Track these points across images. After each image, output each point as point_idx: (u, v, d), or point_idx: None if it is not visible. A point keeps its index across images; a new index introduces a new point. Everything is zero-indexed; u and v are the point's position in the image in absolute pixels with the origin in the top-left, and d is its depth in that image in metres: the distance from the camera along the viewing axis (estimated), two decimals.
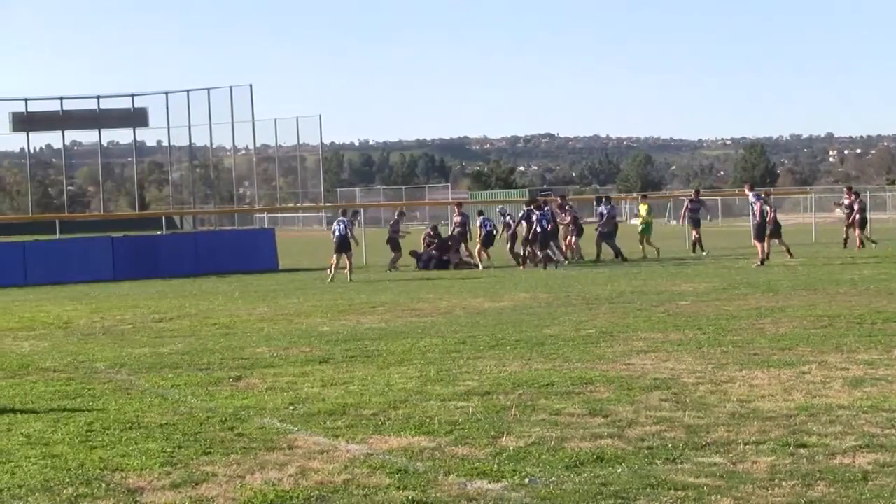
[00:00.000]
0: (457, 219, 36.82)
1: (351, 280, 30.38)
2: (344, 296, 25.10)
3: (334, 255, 31.18)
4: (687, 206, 38.50)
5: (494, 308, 21.09)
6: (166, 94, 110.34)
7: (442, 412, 10.50)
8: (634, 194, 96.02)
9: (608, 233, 35.50)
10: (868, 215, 39.60)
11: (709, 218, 41.84)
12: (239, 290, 28.10)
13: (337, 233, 31.22)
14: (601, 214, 36.19)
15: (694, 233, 37.75)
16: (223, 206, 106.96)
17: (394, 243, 35.74)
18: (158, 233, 44.16)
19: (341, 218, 32.32)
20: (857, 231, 37.73)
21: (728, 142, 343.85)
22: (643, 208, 38.49)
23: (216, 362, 14.63)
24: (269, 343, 16.59)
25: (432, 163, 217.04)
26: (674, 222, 43.35)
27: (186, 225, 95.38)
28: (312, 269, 34.53)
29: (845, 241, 37.94)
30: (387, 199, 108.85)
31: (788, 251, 32.51)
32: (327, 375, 13.11)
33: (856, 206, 38.00)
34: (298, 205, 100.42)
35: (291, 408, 11.04)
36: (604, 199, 38.21)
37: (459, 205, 38.98)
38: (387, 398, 11.34)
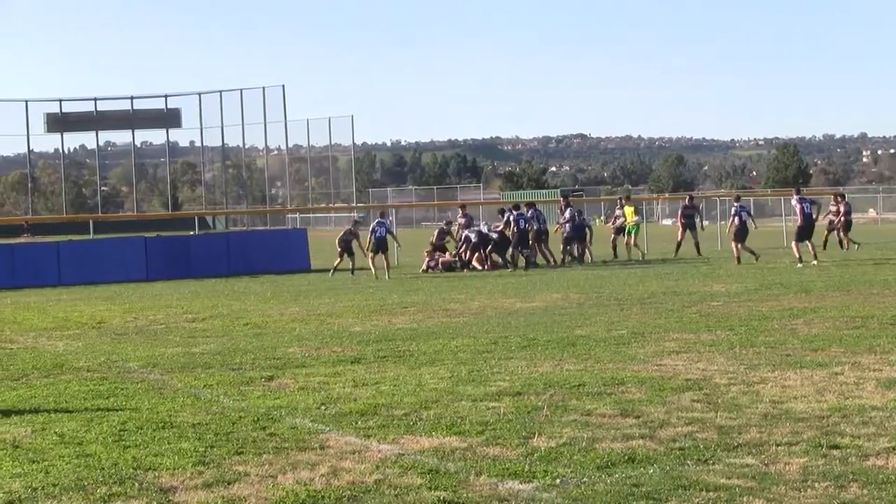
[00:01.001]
0: (461, 220, 36.84)
1: (389, 278, 30.88)
2: (375, 296, 25.12)
3: (371, 256, 32.27)
4: (682, 212, 38.74)
5: (526, 308, 21.07)
6: (199, 94, 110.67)
7: (473, 412, 10.49)
8: (666, 195, 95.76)
9: (570, 236, 35.26)
10: (853, 218, 40.18)
11: (704, 223, 42.27)
12: (271, 291, 28.15)
13: (378, 234, 32.25)
14: (568, 218, 35.57)
15: (685, 235, 37.56)
16: (255, 206, 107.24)
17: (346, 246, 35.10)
18: (191, 233, 44.31)
19: (381, 220, 33.12)
20: (843, 234, 38.17)
21: (761, 142, 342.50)
22: (628, 210, 38.11)
23: (248, 362, 14.67)
24: (300, 343, 16.62)
25: (464, 163, 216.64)
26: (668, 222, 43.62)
27: (219, 225, 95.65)
28: (344, 269, 34.51)
29: (825, 243, 38.16)
30: (418, 199, 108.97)
31: (814, 252, 32.26)
32: (359, 375, 13.12)
33: (842, 209, 38.48)
34: (330, 205, 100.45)
35: (323, 408, 11.06)
36: (570, 203, 37.46)
37: (464, 206, 38.94)
38: (418, 398, 11.34)
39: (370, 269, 32.26)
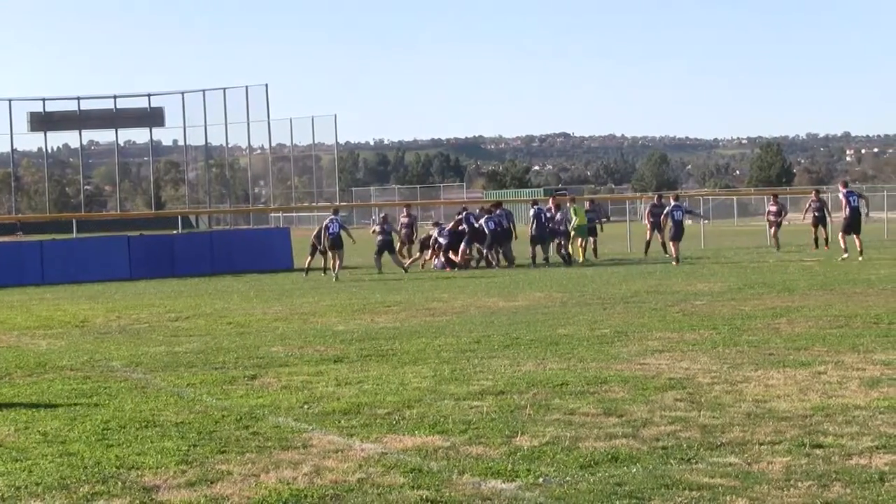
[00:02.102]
0: (404, 220, 36.94)
1: (337, 279, 30.42)
2: (358, 295, 25.10)
3: (329, 253, 32.05)
4: (650, 210, 38.78)
5: (509, 307, 21.08)
6: (182, 94, 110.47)
7: (456, 411, 10.49)
8: (649, 194, 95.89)
9: (534, 237, 35.02)
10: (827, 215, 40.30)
11: (687, 222, 42.44)
12: (254, 290, 28.12)
13: (331, 230, 31.89)
14: (532, 216, 35.44)
15: (658, 236, 37.56)
16: (238, 205, 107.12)
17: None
18: (174, 232, 44.25)
19: (334, 217, 32.79)
20: (816, 230, 38.62)
21: (744, 141, 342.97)
22: (574, 211, 37.81)
23: (231, 361, 14.65)
24: (283, 342, 16.61)
25: (447, 162, 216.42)
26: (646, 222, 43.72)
27: (202, 224, 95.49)
28: (328, 268, 34.50)
29: (815, 240, 38.30)
30: (402, 198, 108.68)
31: (845, 248, 32.28)
32: (342, 374, 13.11)
33: (814, 206, 38.78)
34: (314, 204, 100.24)
35: (306, 407, 11.05)
36: (535, 202, 37.32)
37: (408, 206, 38.73)
38: (401, 397, 11.34)
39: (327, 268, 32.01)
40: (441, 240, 34.50)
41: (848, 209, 32.01)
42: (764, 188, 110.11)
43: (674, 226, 33.23)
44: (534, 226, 34.29)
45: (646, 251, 37.48)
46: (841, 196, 33.19)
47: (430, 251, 35.10)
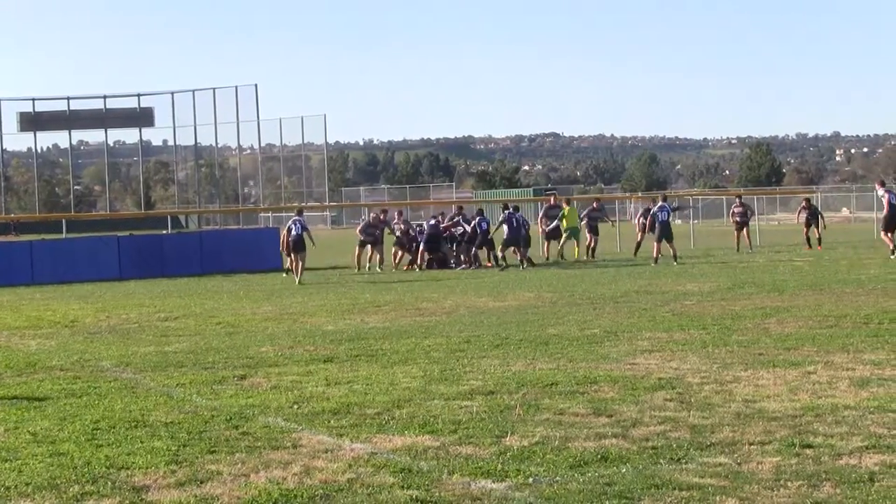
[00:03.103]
0: (401, 226, 36.78)
1: (300, 283, 29.54)
2: (348, 295, 25.10)
3: (290, 256, 30.92)
4: (587, 214, 38.66)
5: (498, 307, 21.09)
6: (172, 94, 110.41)
7: (446, 411, 10.49)
8: (639, 194, 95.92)
9: (506, 240, 34.90)
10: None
11: (612, 223, 42.74)
12: (243, 290, 28.11)
13: (293, 233, 30.67)
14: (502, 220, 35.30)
15: (591, 239, 37.57)
16: (228, 205, 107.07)
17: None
18: (164, 232, 44.20)
19: (297, 217, 31.47)
20: (808, 230, 39.35)
21: (734, 141, 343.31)
22: (565, 213, 37.74)
23: (221, 361, 14.63)
24: (273, 342, 16.60)
25: (437, 162, 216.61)
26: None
27: (192, 224, 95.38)
28: (317, 268, 34.50)
29: (808, 240, 38.60)
30: (391, 198, 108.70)
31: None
32: (331, 374, 13.11)
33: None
34: (303, 204, 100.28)
35: (295, 407, 11.04)
36: (506, 205, 37.23)
37: (385, 212, 38.37)
38: (391, 397, 11.34)
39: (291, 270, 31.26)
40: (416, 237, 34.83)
41: (888, 207, 32.41)
42: (754, 188, 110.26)
43: (659, 226, 33.27)
44: (506, 229, 34.10)
45: (636, 252, 37.55)
46: (881, 195, 33.81)
47: (412, 254, 35.18)
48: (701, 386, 11.49)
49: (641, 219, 38.73)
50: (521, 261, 33.33)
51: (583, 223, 37.80)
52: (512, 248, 33.88)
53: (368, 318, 20.00)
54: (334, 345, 15.99)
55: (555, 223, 36.40)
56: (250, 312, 21.81)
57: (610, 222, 42.15)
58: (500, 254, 34.32)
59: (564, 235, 36.33)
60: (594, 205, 39.28)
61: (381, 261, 35.30)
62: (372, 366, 13.76)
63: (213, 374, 13.53)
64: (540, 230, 37.52)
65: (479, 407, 10.67)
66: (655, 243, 33.28)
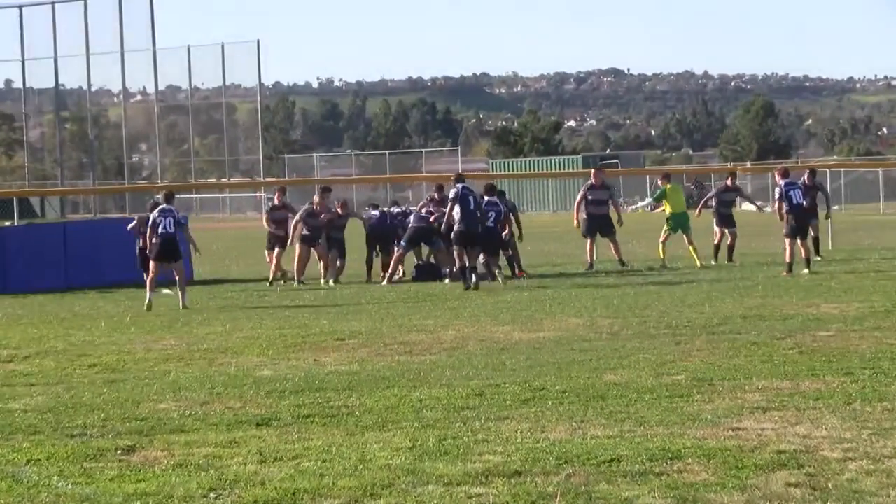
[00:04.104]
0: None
1: (185, 306, 29.37)
2: (294, 321, 25.13)
3: (152, 264, 30.18)
4: (717, 195, 38.88)
5: (529, 340, 21.12)
6: (20, 7, 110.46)
7: (447, 502, 10.50)
8: (748, 164, 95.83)
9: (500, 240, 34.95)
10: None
11: (759, 208, 43.08)
12: (132, 313, 28.12)
13: (161, 230, 29.67)
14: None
15: (726, 235, 37.73)
16: (107, 181, 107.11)
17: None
18: (6, 224, 44.20)
19: (167, 206, 30.28)
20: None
21: (894, 82, 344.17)
22: (663, 193, 37.94)
23: (96, 424, 14.64)
24: (177, 395, 16.61)
25: (432, 114, 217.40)
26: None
27: (51, 211, 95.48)
28: (247, 279, 34.57)
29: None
30: (361, 170, 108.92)
31: None
32: (269, 445, 13.11)
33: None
34: (224, 180, 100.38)
35: (213, 496, 11.04)
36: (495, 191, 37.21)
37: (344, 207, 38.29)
38: (361, 481, 11.33)
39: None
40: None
41: None
42: None
43: (794, 214, 32.83)
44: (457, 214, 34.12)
45: (730, 256, 37.48)
46: None
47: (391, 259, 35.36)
48: (843, 463, 11.49)
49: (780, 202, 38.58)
50: (471, 270, 31.98)
51: (711, 208, 38.01)
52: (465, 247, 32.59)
53: (326, 356, 20.04)
54: (273, 399, 16.01)
55: (646, 203, 36.40)
56: (142, 349, 21.83)
57: (756, 206, 42.32)
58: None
59: (666, 228, 36.49)
60: (728, 182, 39.27)
61: (341, 270, 35.35)
62: (332, 431, 13.78)
63: (85, 444, 13.52)
64: (575, 221, 37.40)
65: (499, 496, 10.67)
66: (787, 239, 33.13)
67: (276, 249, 35.55)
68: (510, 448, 12.56)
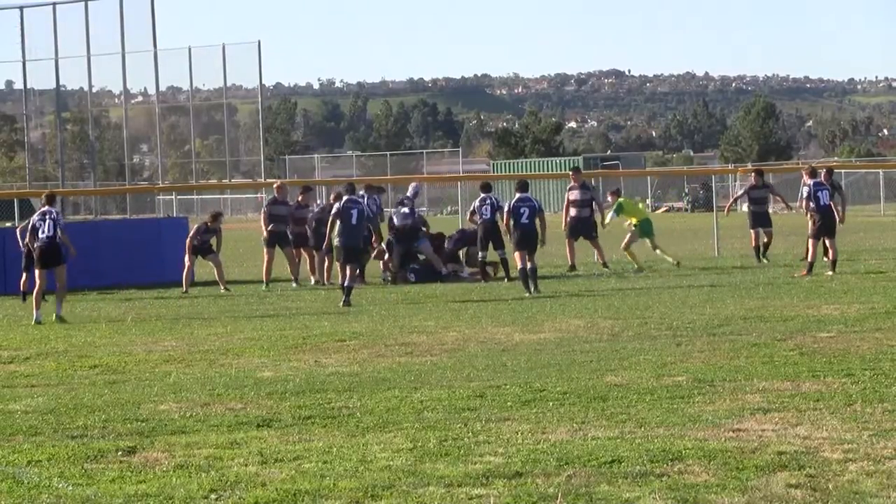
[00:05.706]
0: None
1: (60, 318, 27.94)
2: (295, 322, 25.12)
3: (24, 273, 29.76)
4: (747, 192, 38.81)
5: (530, 342, 21.13)
6: (21, 8, 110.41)
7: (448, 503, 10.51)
8: (749, 165, 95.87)
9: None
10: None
11: (787, 206, 43.17)
12: (133, 314, 28.11)
13: (42, 234, 28.32)
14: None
15: (763, 234, 37.75)
16: (108, 182, 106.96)
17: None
18: (7, 225, 44.14)
19: (48, 209, 29.10)
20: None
21: (895, 83, 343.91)
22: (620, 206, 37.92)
23: (97, 425, 14.64)
24: (178, 396, 16.61)
25: (433, 116, 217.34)
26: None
27: None
28: (247, 280, 34.54)
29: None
30: (363, 171, 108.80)
31: None
32: (269, 447, 13.12)
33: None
34: (225, 181, 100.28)
35: (214, 497, 11.04)
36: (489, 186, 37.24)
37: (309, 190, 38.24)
38: (361, 482, 11.33)
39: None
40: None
41: None
42: None
43: (821, 214, 32.69)
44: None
45: (761, 255, 37.42)
46: None
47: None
48: (844, 465, 11.49)
49: (750, 205, 38.60)
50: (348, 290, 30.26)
51: (745, 207, 38.01)
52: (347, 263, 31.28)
53: (327, 358, 20.04)
54: (274, 401, 16.01)
55: (609, 218, 36.46)
56: (143, 350, 21.83)
57: (785, 204, 42.36)
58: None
59: (631, 233, 36.51)
60: (752, 179, 39.21)
61: (329, 270, 35.27)
62: (332, 433, 13.78)
63: (85, 445, 13.52)
64: (564, 221, 37.38)
65: (500, 498, 10.68)
66: (811, 240, 32.93)
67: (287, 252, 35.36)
68: (511, 449, 12.57)
